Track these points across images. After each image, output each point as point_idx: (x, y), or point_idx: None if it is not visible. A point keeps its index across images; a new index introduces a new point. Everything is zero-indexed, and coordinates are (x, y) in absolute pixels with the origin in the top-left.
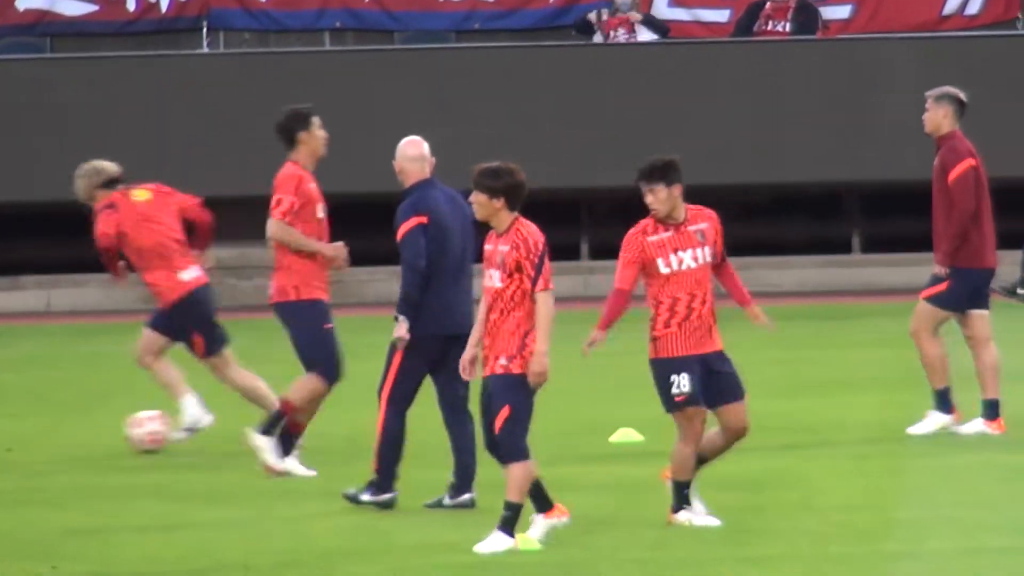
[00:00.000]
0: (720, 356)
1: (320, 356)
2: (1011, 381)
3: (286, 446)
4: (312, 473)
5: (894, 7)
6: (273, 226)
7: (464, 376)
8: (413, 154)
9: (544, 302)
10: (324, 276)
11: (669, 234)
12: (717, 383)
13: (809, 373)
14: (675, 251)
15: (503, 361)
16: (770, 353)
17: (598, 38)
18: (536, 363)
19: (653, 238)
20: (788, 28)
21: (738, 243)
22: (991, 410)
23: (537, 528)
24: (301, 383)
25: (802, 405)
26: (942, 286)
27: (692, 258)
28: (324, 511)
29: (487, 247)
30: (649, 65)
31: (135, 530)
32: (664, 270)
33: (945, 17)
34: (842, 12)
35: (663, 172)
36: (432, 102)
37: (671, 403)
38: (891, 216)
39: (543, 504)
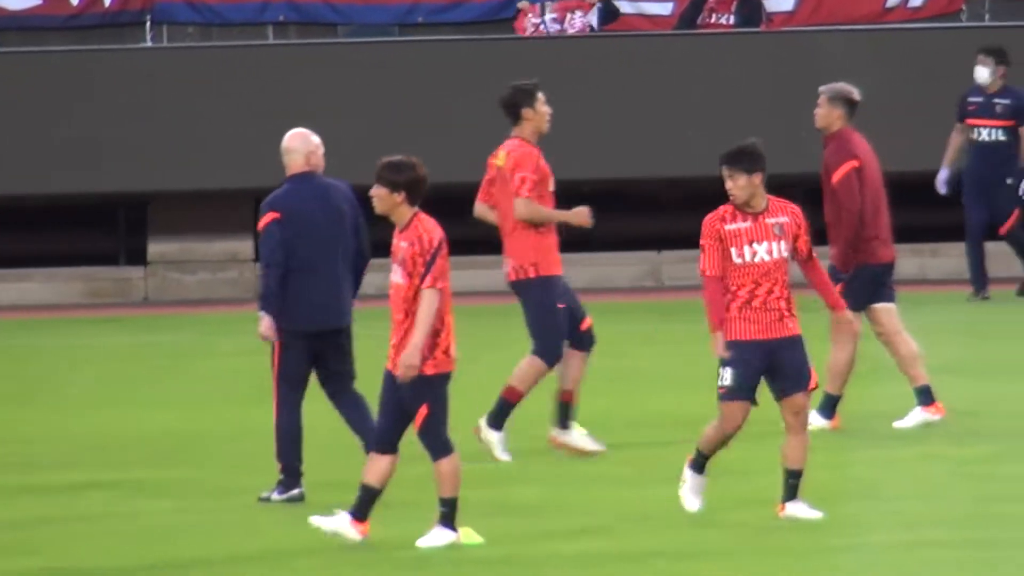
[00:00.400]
0: (790, 341)
1: (547, 337)
2: (951, 374)
3: (564, 421)
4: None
5: (838, 0)
6: (522, 205)
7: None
8: (289, 146)
9: (427, 299)
10: (557, 250)
11: (747, 224)
12: (783, 371)
13: None
14: (750, 242)
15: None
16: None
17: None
18: (407, 355)
19: (730, 226)
20: (732, 21)
21: (678, 236)
22: (925, 396)
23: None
24: (524, 369)
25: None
26: (838, 288)
27: (767, 251)
28: (279, 507)
29: (393, 243)
30: (592, 58)
31: (87, 523)
32: (736, 260)
33: (889, 9)
34: (786, 4)
35: (745, 158)
36: (375, 96)
37: (717, 392)
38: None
39: (362, 512)
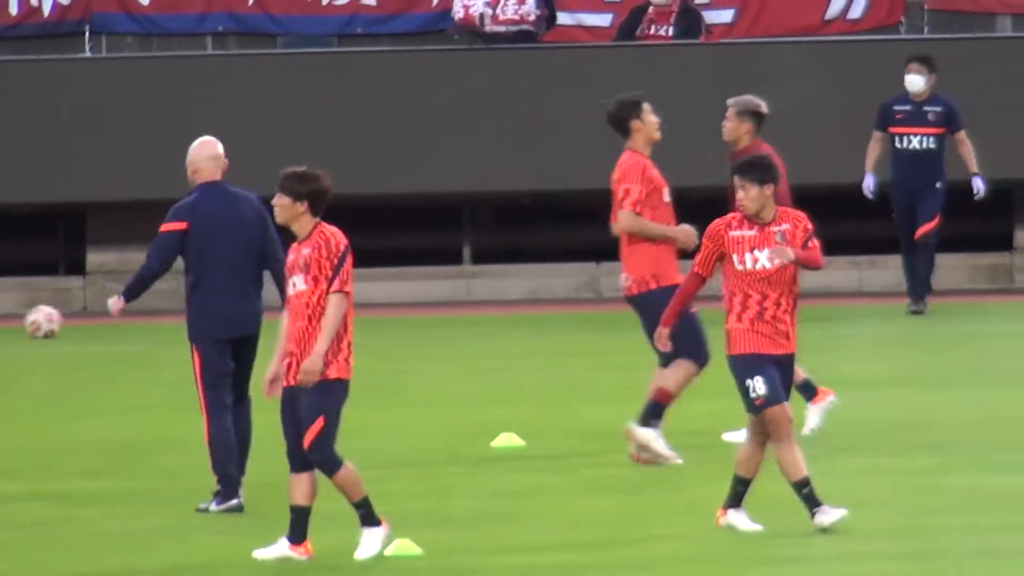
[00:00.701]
0: (790, 358)
1: (691, 339)
2: (893, 386)
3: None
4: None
5: (777, 11)
6: (626, 217)
7: (265, 395)
8: (199, 155)
9: (334, 304)
10: (675, 259)
11: (752, 232)
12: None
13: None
14: (751, 249)
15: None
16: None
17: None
18: (310, 362)
19: (735, 233)
20: (671, 32)
21: (616, 248)
22: (810, 391)
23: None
24: (675, 371)
25: (687, 409)
26: None
27: (768, 258)
28: (211, 518)
29: (289, 256)
30: (533, 68)
31: (18, 531)
32: (738, 267)
33: (828, 21)
34: (725, 16)
35: (758, 169)
36: (315, 106)
37: (752, 406)
38: None
39: (297, 535)
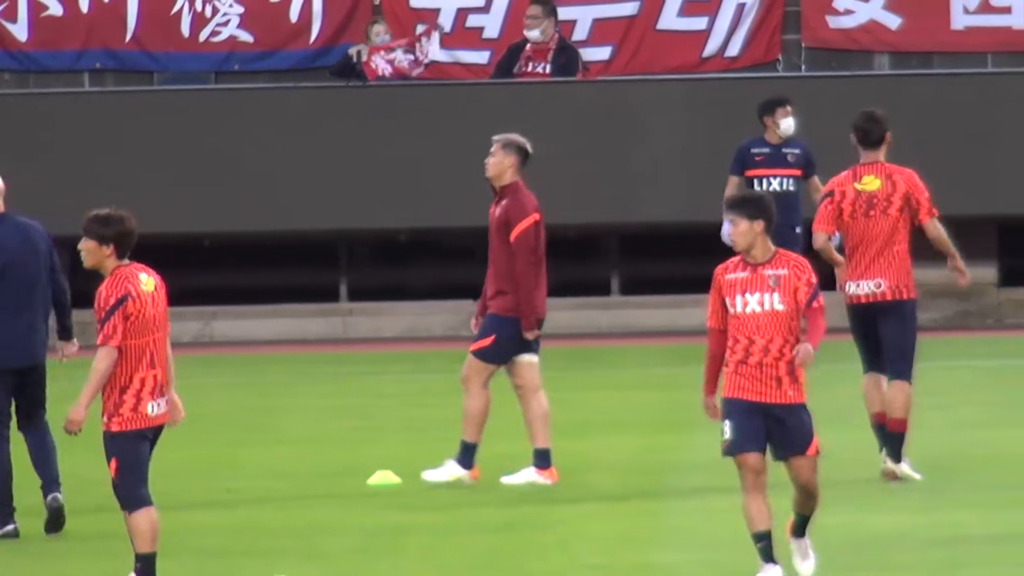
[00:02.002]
0: (787, 409)
1: (911, 357)
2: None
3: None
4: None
5: (654, 49)
6: (935, 226)
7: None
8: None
9: (97, 356)
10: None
11: (745, 275)
12: (780, 435)
13: (566, 415)
14: (743, 292)
15: (104, 418)
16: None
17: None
18: (72, 410)
19: (730, 276)
20: (548, 70)
21: None
22: (542, 459)
23: None
24: (899, 397)
25: (558, 447)
26: (488, 340)
27: (758, 302)
28: None
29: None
30: (411, 105)
31: None
32: (731, 310)
33: (705, 59)
34: (602, 54)
35: (749, 204)
36: (192, 143)
37: (722, 450)
38: (650, 258)
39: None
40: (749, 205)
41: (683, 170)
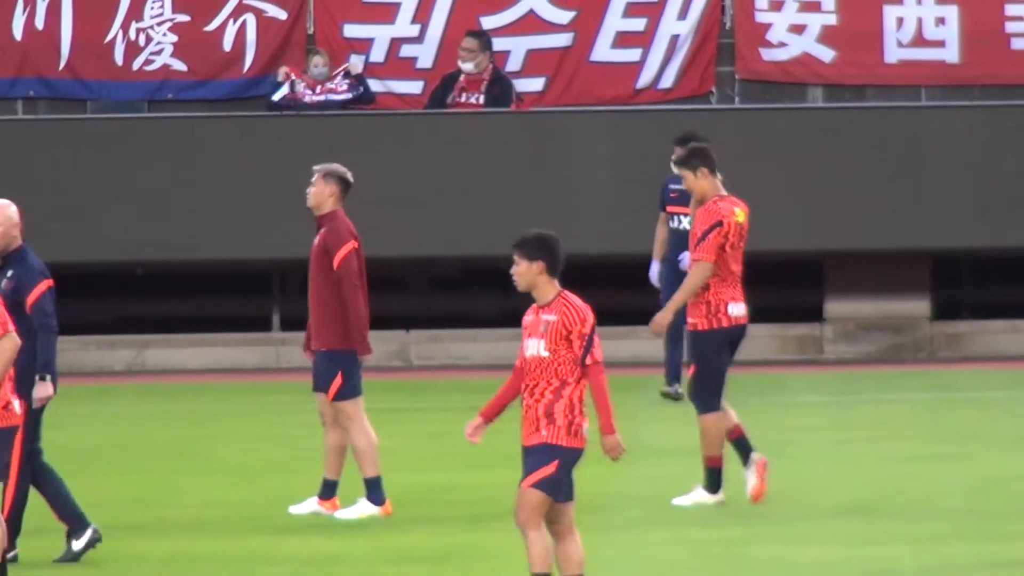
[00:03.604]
0: (534, 449)
1: None
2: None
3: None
4: None
5: (587, 81)
6: None
7: None
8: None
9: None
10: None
11: (531, 318)
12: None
13: (501, 446)
14: (528, 336)
15: None
16: (460, 425)
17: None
18: None
19: (525, 318)
20: (482, 100)
21: (426, 316)
22: (328, 490)
23: None
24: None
25: (493, 476)
26: (338, 382)
27: (529, 347)
28: None
29: None
30: (343, 135)
31: None
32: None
33: (639, 91)
34: (536, 84)
35: (528, 245)
36: (125, 171)
37: None
38: (581, 290)
39: None
40: (528, 245)
41: (615, 202)
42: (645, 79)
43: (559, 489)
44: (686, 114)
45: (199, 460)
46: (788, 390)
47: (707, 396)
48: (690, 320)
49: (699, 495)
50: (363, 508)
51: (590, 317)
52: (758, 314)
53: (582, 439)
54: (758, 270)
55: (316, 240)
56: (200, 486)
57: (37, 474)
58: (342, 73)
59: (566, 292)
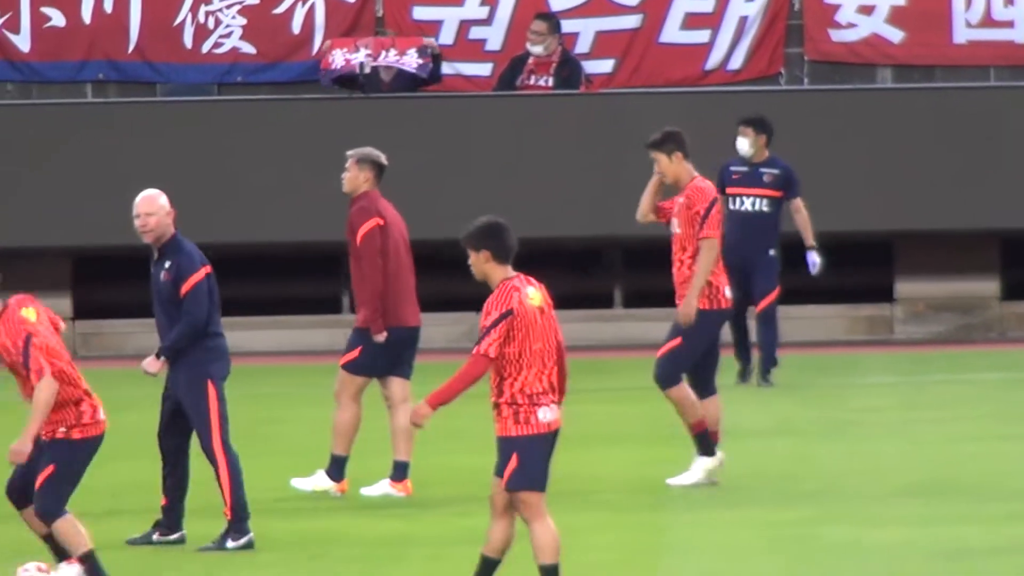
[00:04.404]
0: (498, 441)
1: None
2: (771, 436)
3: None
4: None
5: (657, 62)
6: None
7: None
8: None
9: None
10: None
11: None
12: None
13: (568, 427)
14: None
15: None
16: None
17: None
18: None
19: None
20: (551, 83)
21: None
22: (399, 471)
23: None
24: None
25: (559, 459)
26: (354, 352)
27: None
28: None
29: None
30: (411, 117)
31: None
32: None
33: (708, 72)
34: (605, 67)
35: (472, 235)
36: (194, 155)
37: None
38: (652, 271)
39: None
40: (472, 236)
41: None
42: (714, 60)
43: (532, 477)
44: (755, 95)
45: (269, 443)
46: (858, 371)
47: (677, 372)
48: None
49: (700, 465)
50: (319, 481)
51: (498, 309)
52: (828, 295)
53: (536, 424)
54: (828, 251)
55: (349, 222)
56: (271, 468)
57: (169, 457)
58: (416, 49)
59: (512, 279)
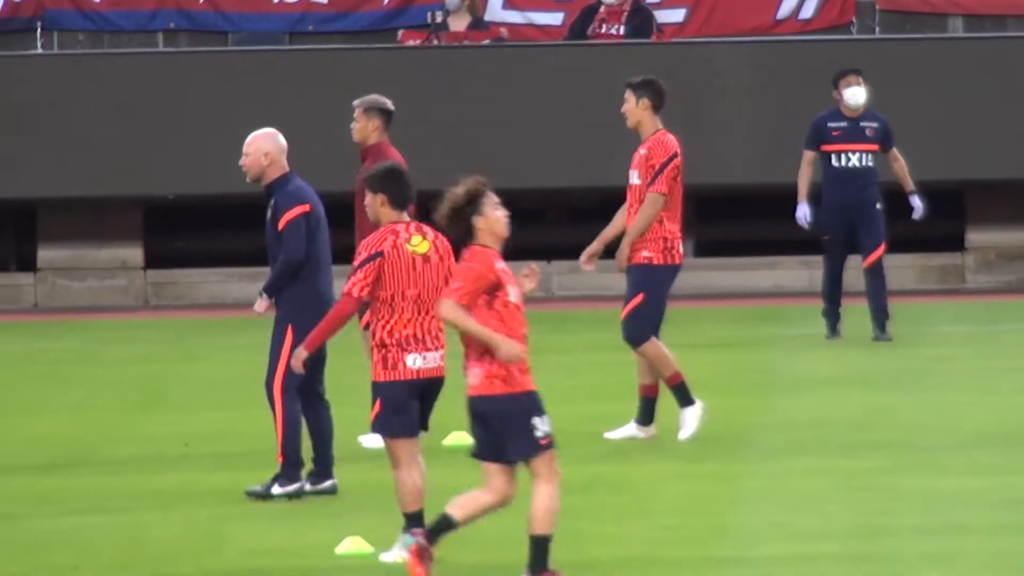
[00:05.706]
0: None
1: None
2: (839, 386)
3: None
4: None
5: (728, 11)
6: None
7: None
8: (284, 145)
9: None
10: None
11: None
12: None
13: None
14: None
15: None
16: (602, 356)
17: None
18: None
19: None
20: (622, 32)
21: (568, 247)
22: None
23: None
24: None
25: (632, 409)
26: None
27: None
28: (159, 517)
29: None
30: (483, 67)
31: None
32: None
33: (779, 21)
34: (676, 16)
35: (368, 178)
36: (266, 104)
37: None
38: (723, 220)
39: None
40: (372, 179)
41: (756, 132)
42: (785, 10)
43: (388, 424)
44: (826, 45)
45: (344, 392)
46: (929, 320)
47: (645, 329)
48: (644, 253)
49: (691, 415)
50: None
51: (367, 251)
52: (900, 244)
53: (403, 371)
54: (900, 199)
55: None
56: (347, 417)
57: (307, 408)
58: None
59: (397, 224)
